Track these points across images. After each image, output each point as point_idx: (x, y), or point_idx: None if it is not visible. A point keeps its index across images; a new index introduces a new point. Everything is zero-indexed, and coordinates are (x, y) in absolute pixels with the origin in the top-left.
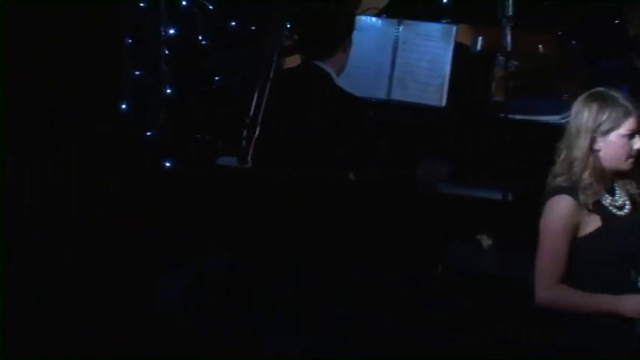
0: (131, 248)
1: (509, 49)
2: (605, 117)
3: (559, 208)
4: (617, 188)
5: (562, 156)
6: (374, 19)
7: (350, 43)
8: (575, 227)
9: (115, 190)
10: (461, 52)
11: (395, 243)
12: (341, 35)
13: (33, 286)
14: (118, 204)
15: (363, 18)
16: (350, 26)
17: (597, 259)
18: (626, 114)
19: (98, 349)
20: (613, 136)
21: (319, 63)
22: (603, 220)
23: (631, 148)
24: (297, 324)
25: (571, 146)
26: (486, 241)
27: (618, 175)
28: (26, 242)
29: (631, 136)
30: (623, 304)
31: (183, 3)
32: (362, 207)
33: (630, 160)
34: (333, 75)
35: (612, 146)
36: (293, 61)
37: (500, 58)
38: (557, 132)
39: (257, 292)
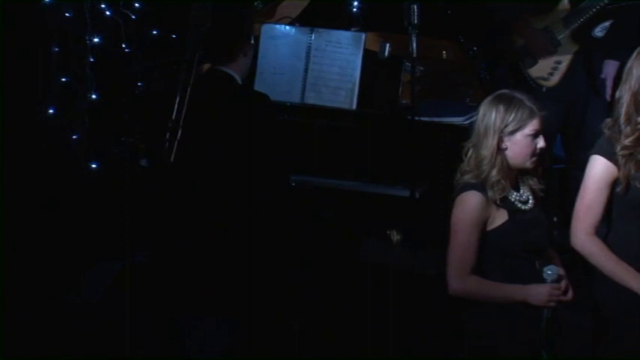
0: (58, 246)
1: (415, 55)
2: (511, 118)
3: (469, 204)
4: (521, 184)
5: (470, 155)
6: (288, 27)
7: (251, 48)
8: (484, 221)
9: (44, 191)
10: (370, 58)
11: (308, 240)
12: (238, 41)
13: None
14: (46, 204)
15: (278, 26)
16: (246, 32)
17: (505, 250)
18: (531, 115)
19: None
20: (519, 136)
21: (222, 68)
22: (510, 214)
23: (535, 147)
24: (215, 317)
25: (479, 145)
26: (396, 237)
27: (521, 171)
28: None
29: (535, 135)
30: (530, 293)
31: (107, 13)
32: (276, 206)
33: (534, 159)
34: (236, 77)
35: (518, 145)
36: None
37: (407, 63)
38: (462, 133)
39: (176, 287)
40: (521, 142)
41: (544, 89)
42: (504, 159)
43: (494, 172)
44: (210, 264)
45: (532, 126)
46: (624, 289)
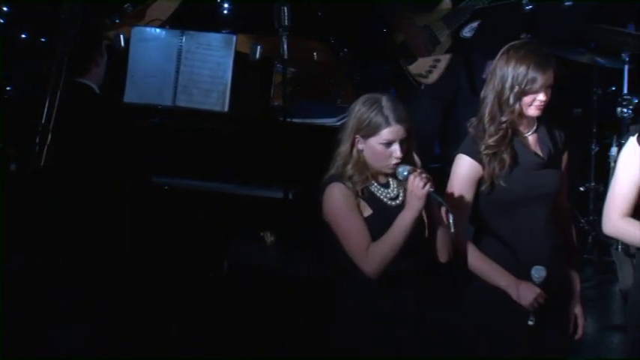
0: None
1: (286, 56)
2: (365, 123)
3: (332, 195)
4: (392, 182)
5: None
6: (158, 30)
7: (101, 57)
8: (357, 207)
9: None
10: (241, 60)
11: (180, 243)
12: (88, 53)
13: None
14: None
15: (148, 29)
16: (93, 44)
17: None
18: (385, 124)
19: None
20: (372, 142)
21: (79, 79)
22: (373, 208)
23: (390, 156)
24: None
25: (340, 141)
26: (269, 238)
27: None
28: None
29: (388, 145)
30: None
31: None
32: (145, 208)
33: (391, 166)
34: (93, 86)
35: (371, 150)
36: None
37: (279, 65)
38: (333, 134)
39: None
40: (374, 148)
41: (422, 87)
42: (362, 157)
43: (348, 167)
44: (76, 268)
45: (384, 135)
46: (493, 287)
